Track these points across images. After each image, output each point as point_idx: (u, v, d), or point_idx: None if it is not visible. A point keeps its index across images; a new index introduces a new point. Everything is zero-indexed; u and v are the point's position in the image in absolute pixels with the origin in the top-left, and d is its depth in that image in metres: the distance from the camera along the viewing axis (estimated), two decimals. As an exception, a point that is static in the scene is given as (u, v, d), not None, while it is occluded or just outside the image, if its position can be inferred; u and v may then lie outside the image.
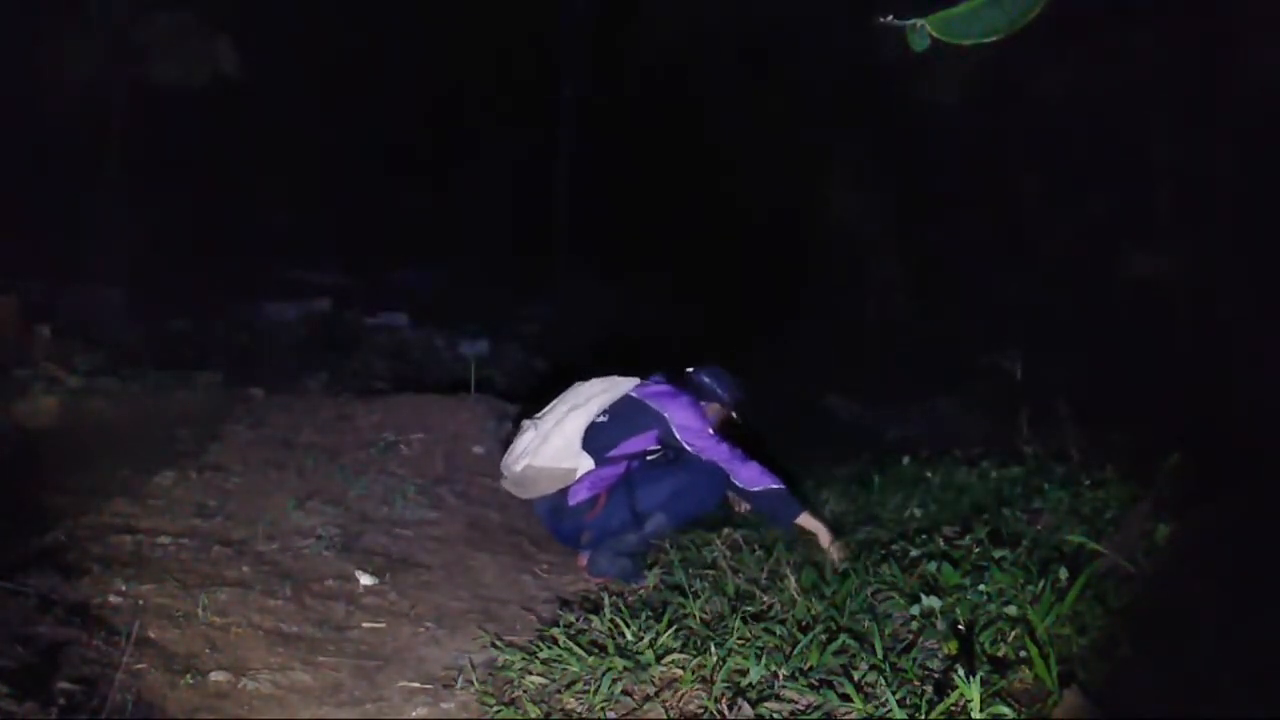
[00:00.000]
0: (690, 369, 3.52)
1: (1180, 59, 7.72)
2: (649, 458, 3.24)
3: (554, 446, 3.18)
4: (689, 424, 3.18)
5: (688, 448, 3.16)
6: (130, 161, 8.78)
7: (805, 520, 3.06)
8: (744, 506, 3.53)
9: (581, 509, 3.17)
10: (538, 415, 3.33)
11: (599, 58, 13.11)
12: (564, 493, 3.21)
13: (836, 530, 3.19)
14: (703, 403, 3.40)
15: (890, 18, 2.21)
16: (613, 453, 3.20)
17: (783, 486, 3.10)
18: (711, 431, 3.20)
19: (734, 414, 3.54)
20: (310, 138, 11.41)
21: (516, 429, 3.40)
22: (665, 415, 3.20)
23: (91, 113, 8.50)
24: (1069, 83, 8.33)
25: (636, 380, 3.39)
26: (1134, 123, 8.43)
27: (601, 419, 3.26)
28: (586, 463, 3.20)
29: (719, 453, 3.13)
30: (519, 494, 3.32)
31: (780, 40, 10.91)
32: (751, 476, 3.11)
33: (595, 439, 3.22)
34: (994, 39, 2.32)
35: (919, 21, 2.18)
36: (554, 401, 3.36)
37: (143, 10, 7.91)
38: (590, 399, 3.29)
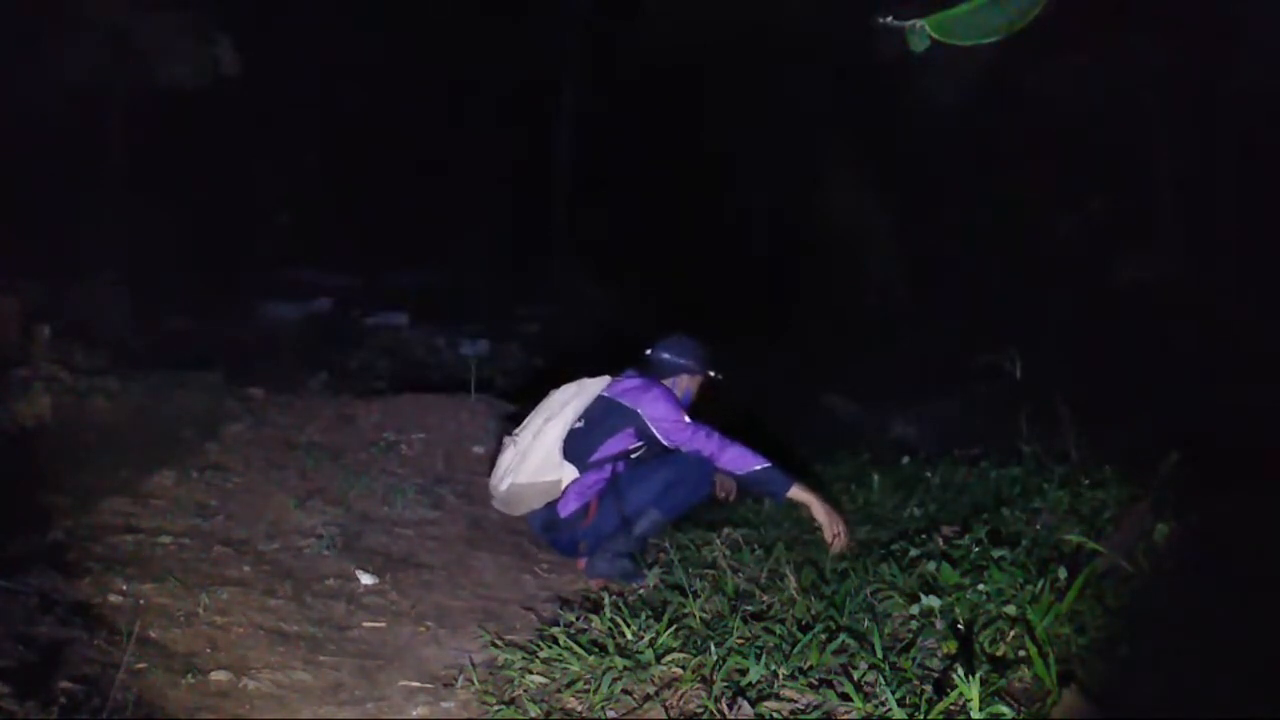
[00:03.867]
0: (649, 350, 3.46)
1: (1180, 59, 7.73)
2: (633, 455, 3.22)
3: (535, 460, 3.17)
4: (664, 417, 3.15)
5: (667, 443, 3.14)
6: (131, 161, 8.78)
7: (796, 493, 3.03)
8: (729, 492, 3.50)
9: (574, 519, 3.15)
10: (516, 431, 3.31)
11: (598, 57, 13.10)
12: (554, 506, 3.19)
13: (834, 503, 3.16)
14: (671, 380, 3.38)
15: (890, 18, 2.21)
16: (594, 457, 3.18)
17: (769, 464, 3.06)
18: (688, 420, 3.15)
19: (709, 374, 3.47)
20: (311, 138, 11.42)
21: (502, 444, 3.37)
22: (639, 412, 3.18)
23: (92, 112, 8.51)
24: (1069, 83, 8.33)
25: (607, 379, 3.36)
26: (1134, 123, 8.43)
27: (578, 425, 3.23)
28: (570, 472, 3.18)
29: (699, 441, 3.10)
30: (509, 512, 3.30)
31: (780, 40, 10.91)
32: (736, 460, 3.07)
33: (575, 446, 3.20)
34: (993, 39, 2.33)
35: (918, 22, 2.19)
36: (530, 415, 3.34)
37: (143, 10, 7.91)
38: (564, 406, 3.26)
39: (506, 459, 3.24)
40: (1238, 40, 7.23)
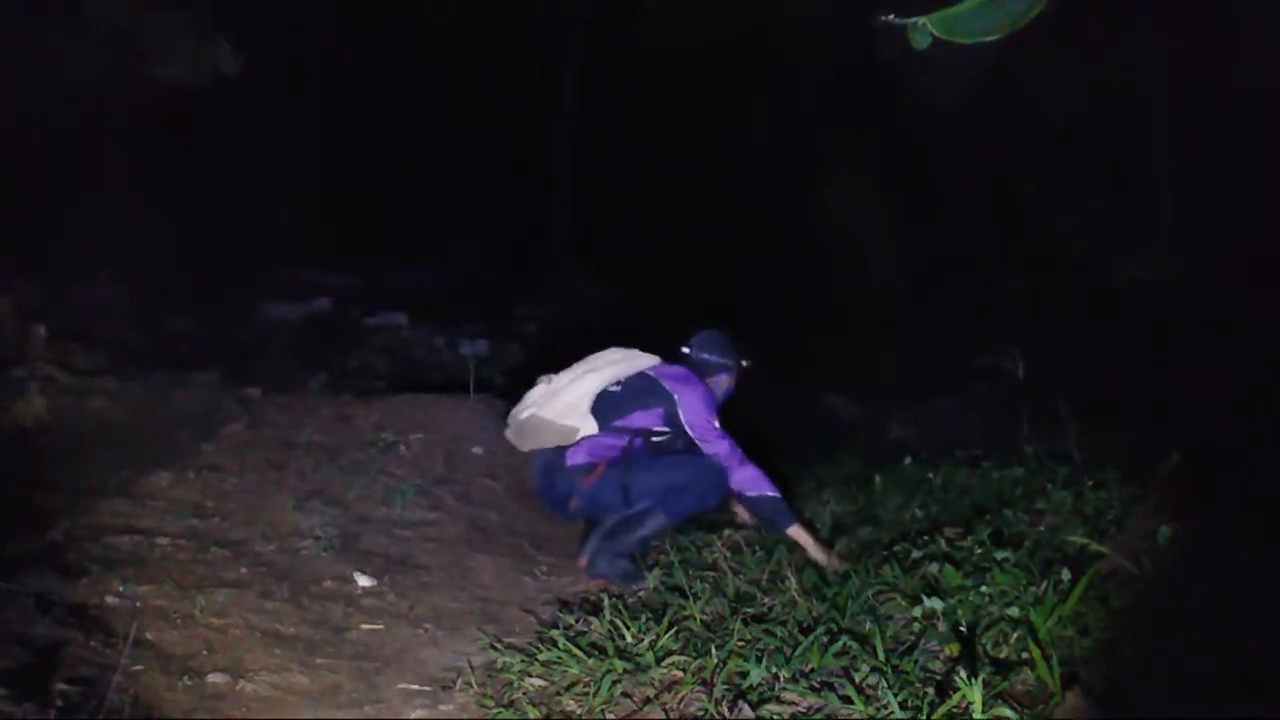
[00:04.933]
0: (685, 349, 3.51)
1: (1181, 58, 7.72)
2: (654, 438, 3.23)
3: (563, 402, 3.20)
4: (698, 412, 3.18)
5: (691, 434, 3.15)
6: (130, 161, 8.77)
7: (795, 532, 3.04)
8: (743, 515, 3.53)
9: (577, 472, 3.16)
10: (553, 374, 3.34)
11: (599, 57, 13.10)
12: (562, 451, 3.21)
13: (828, 544, 3.18)
14: (714, 379, 3.42)
15: (892, 16, 2.21)
16: (618, 423, 3.21)
17: (778, 495, 3.08)
18: (718, 425, 3.18)
19: (740, 367, 3.52)
20: (310, 137, 11.41)
21: (535, 381, 3.41)
22: (675, 398, 3.20)
23: (91, 112, 8.49)
24: (1069, 82, 8.33)
25: (656, 359, 3.40)
26: (1135, 122, 8.42)
27: (614, 388, 3.27)
28: (590, 426, 3.20)
29: (720, 448, 3.12)
30: (519, 444, 3.33)
31: (780, 39, 10.91)
32: (748, 480, 3.08)
33: (604, 406, 3.23)
34: (995, 38, 2.32)
35: (921, 20, 2.18)
36: (574, 364, 3.37)
37: (143, 10, 7.89)
38: (608, 365, 3.31)
39: (536, 393, 3.28)
40: (1238, 40, 7.22)
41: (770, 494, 3.06)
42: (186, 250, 8.69)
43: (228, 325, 7.86)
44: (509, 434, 3.35)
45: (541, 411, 3.20)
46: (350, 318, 9.08)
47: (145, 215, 8.40)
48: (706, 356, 3.47)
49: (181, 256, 8.57)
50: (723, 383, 3.47)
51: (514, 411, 3.32)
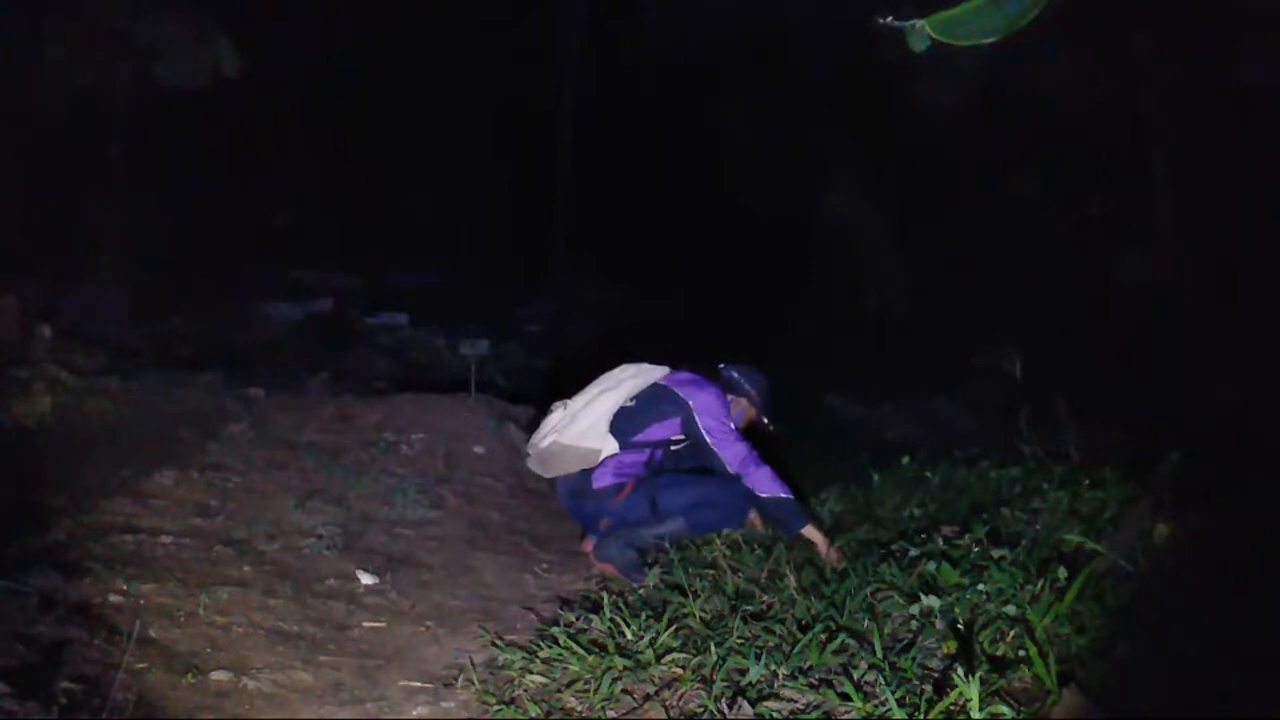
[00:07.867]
0: (722, 365, 3.57)
1: (1181, 58, 7.73)
2: (673, 447, 3.27)
3: (582, 425, 3.24)
4: (712, 413, 3.22)
5: (705, 437, 3.18)
6: (131, 161, 8.78)
7: (809, 531, 3.07)
8: (753, 518, 3.54)
9: (606, 494, 3.20)
10: (568, 399, 3.37)
11: (600, 57, 13.11)
12: (587, 475, 3.25)
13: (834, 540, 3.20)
14: (730, 396, 3.44)
15: (890, 18, 2.21)
16: (637, 438, 3.25)
17: (791, 496, 3.11)
18: (733, 427, 3.22)
19: (763, 418, 3.55)
20: (311, 137, 11.42)
21: (550, 408, 3.44)
22: (690, 402, 3.23)
23: (93, 112, 8.50)
24: (1069, 82, 8.33)
25: (667, 370, 3.44)
26: (1134, 122, 8.43)
27: (629, 404, 3.31)
28: (611, 445, 3.23)
29: (734, 448, 3.15)
30: (542, 472, 3.37)
31: (781, 39, 10.92)
32: (762, 481, 3.11)
33: (622, 424, 3.27)
34: (993, 40, 2.33)
35: (918, 22, 2.19)
36: (587, 386, 3.41)
37: (144, 10, 7.90)
38: (621, 383, 3.35)
39: (554, 419, 3.31)
40: (1238, 39, 7.22)
41: (784, 495, 3.09)
42: (189, 250, 8.71)
43: (230, 325, 7.87)
44: (531, 463, 3.39)
45: (562, 437, 3.24)
46: (352, 318, 9.11)
47: (148, 215, 8.42)
48: (735, 375, 3.52)
49: (184, 256, 8.59)
50: (738, 404, 3.49)
51: (533, 440, 3.35)
